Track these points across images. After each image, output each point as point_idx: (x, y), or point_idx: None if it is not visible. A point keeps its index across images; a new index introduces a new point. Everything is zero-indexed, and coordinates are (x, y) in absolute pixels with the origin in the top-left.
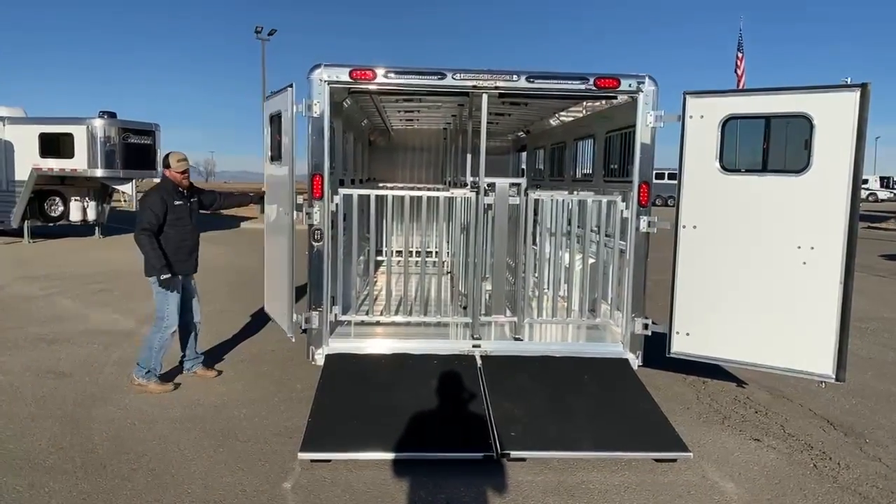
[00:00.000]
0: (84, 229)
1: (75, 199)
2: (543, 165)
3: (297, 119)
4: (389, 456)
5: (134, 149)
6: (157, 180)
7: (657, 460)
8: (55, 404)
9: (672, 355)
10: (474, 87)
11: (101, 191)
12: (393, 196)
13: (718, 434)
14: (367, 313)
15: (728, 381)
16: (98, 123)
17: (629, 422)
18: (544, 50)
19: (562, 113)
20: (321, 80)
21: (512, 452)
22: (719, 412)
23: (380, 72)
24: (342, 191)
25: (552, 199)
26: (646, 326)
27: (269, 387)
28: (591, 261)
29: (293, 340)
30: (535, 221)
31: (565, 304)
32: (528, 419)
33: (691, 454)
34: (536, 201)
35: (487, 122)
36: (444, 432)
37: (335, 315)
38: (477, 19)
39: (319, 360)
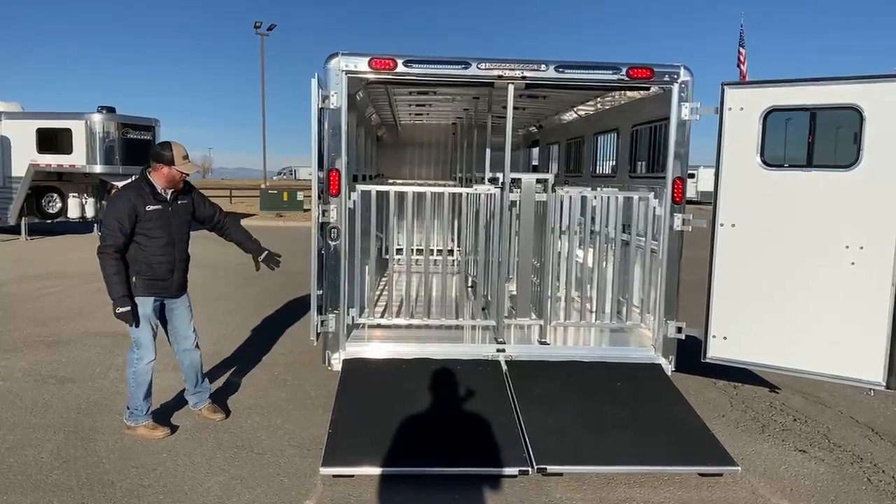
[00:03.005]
0: (82, 226)
1: (73, 196)
2: (558, 161)
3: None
4: (418, 471)
5: (133, 144)
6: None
7: (702, 475)
8: (57, 413)
9: (708, 360)
10: (499, 77)
11: (99, 187)
12: (413, 193)
13: (760, 444)
14: (382, 315)
15: (760, 386)
16: (97, 118)
17: (669, 432)
18: (532, 47)
19: (581, 106)
20: (339, 70)
21: (549, 467)
22: (757, 420)
23: (400, 61)
24: (360, 187)
25: (581, 197)
26: (679, 330)
27: (282, 392)
28: (618, 261)
29: (315, 344)
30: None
31: (590, 306)
32: (562, 430)
33: (739, 468)
34: (563, 198)
35: (499, 117)
36: (475, 445)
37: (352, 318)
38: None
39: (336, 364)
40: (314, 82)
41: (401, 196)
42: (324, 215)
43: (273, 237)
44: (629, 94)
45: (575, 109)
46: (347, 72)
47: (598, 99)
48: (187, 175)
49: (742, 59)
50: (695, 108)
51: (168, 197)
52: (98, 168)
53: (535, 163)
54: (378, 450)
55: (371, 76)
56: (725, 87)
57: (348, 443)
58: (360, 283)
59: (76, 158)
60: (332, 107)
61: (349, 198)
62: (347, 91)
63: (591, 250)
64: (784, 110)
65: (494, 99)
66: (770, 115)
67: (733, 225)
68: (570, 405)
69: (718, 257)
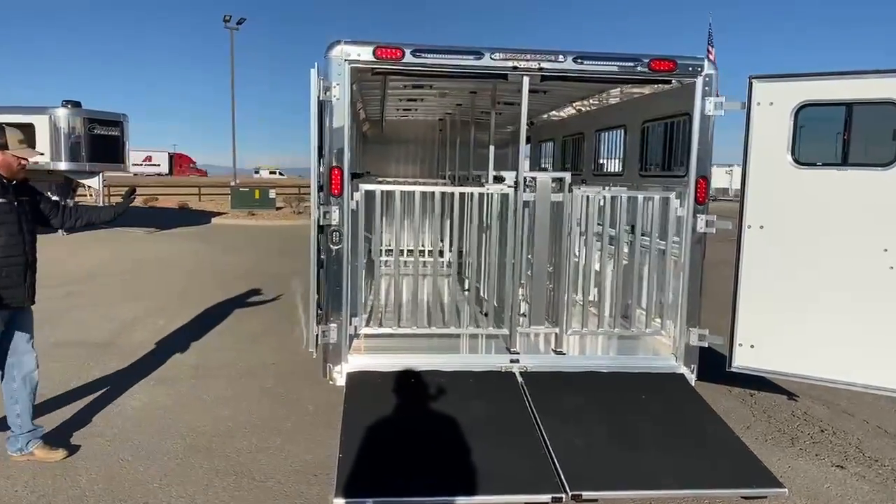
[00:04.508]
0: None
1: None
2: (553, 159)
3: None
4: (443, 501)
5: (101, 141)
6: (129, 174)
7: (745, 497)
8: None
9: (733, 370)
10: (514, 68)
11: (64, 185)
12: (420, 192)
13: (794, 459)
14: (379, 324)
15: (777, 394)
16: (61, 113)
17: (706, 451)
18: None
19: (581, 102)
20: (342, 60)
21: (584, 493)
22: (783, 431)
23: (408, 51)
24: (363, 186)
25: (600, 197)
26: (701, 337)
27: (278, 409)
28: (625, 264)
29: (314, 356)
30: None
31: (599, 311)
32: (592, 450)
33: (786, 490)
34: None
35: (486, 112)
36: (502, 469)
37: (355, 328)
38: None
39: (339, 378)
40: (313, 72)
41: (407, 196)
42: (325, 217)
43: (247, 235)
44: (639, 89)
45: (574, 105)
46: (350, 61)
47: (604, 94)
48: (25, 162)
49: (712, 58)
50: (719, 102)
51: (11, 188)
52: (63, 165)
53: (525, 160)
54: (396, 476)
55: (376, 66)
56: (754, 81)
57: (362, 469)
58: (361, 290)
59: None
60: (334, 99)
61: (352, 198)
62: (350, 82)
63: (599, 253)
64: (817, 105)
65: (498, 93)
66: (802, 110)
67: (762, 226)
68: (596, 421)
69: (745, 260)
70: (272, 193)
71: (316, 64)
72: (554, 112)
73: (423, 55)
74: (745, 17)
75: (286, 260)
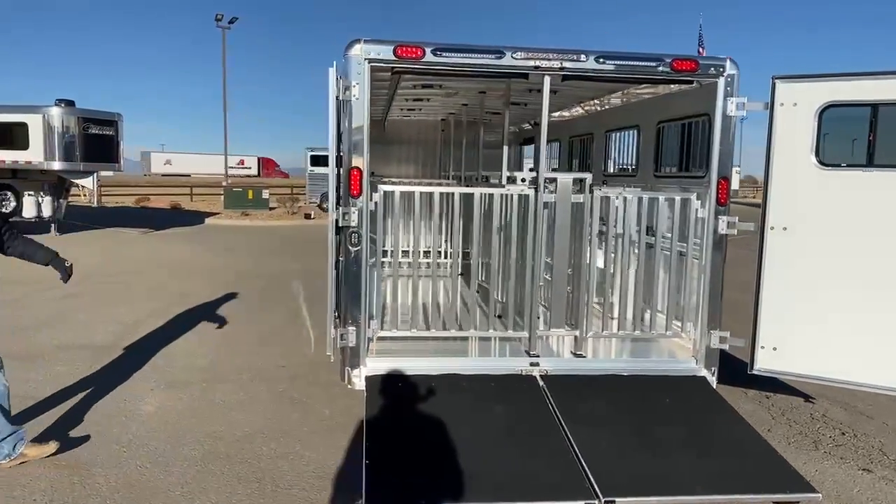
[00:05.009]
0: (38, 226)
1: (29, 194)
2: (559, 160)
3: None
4: None
5: (95, 140)
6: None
7: (778, 503)
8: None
9: (756, 372)
10: (535, 67)
11: (57, 185)
12: (440, 193)
13: (820, 463)
14: (397, 327)
15: (793, 396)
16: (55, 112)
17: (736, 455)
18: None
19: (589, 102)
20: (362, 59)
21: (617, 500)
22: (805, 434)
23: (428, 49)
24: (382, 187)
25: (623, 198)
26: (722, 340)
27: (293, 413)
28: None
29: (332, 360)
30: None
31: (619, 314)
32: (621, 454)
33: (820, 495)
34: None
35: (492, 113)
36: (532, 475)
37: (373, 331)
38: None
39: (358, 382)
40: (332, 72)
41: (426, 197)
42: (344, 218)
43: (243, 236)
44: (653, 89)
45: (582, 105)
46: (370, 60)
47: (617, 94)
48: None
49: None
50: (741, 103)
51: None
52: (57, 165)
53: (528, 161)
54: (427, 485)
55: (396, 65)
56: (777, 81)
57: (391, 476)
58: (378, 292)
59: (33, 154)
60: (353, 99)
61: (370, 199)
62: (370, 81)
63: (619, 255)
64: (842, 106)
65: (504, 93)
66: (826, 110)
67: (785, 228)
68: (622, 425)
69: (768, 263)
70: (265, 193)
71: (335, 63)
72: (558, 112)
73: (443, 54)
74: (743, 17)
75: (284, 261)
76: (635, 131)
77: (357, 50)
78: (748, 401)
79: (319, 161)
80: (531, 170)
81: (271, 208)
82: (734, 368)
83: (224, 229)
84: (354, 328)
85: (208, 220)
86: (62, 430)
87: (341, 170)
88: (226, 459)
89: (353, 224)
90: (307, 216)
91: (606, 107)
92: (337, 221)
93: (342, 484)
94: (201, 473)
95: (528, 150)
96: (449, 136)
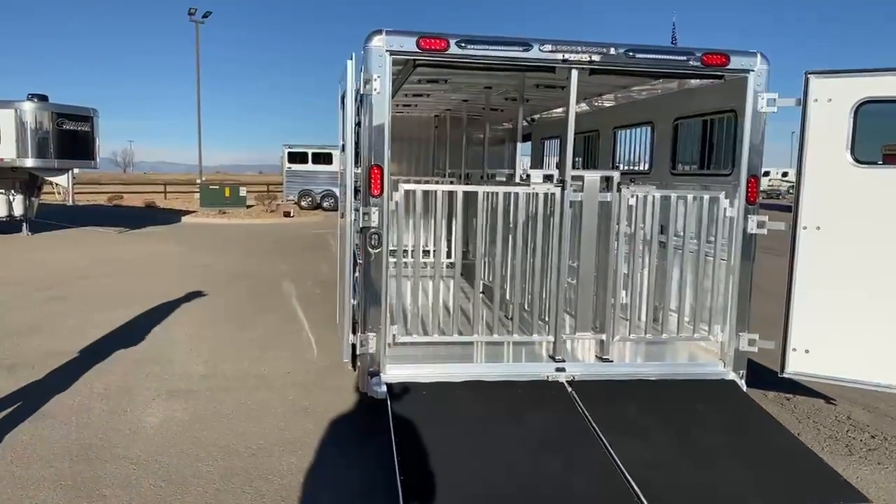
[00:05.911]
0: (9, 226)
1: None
2: (559, 157)
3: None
4: None
5: (70, 136)
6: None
7: None
8: (45, 460)
9: (787, 375)
10: (563, 60)
11: (29, 183)
12: (462, 192)
13: (857, 469)
14: (407, 331)
15: (814, 398)
16: (28, 107)
17: (781, 464)
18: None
19: (598, 98)
20: (383, 51)
21: None
22: (836, 438)
23: (453, 41)
24: (403, 186)
25: (650, 197)
26: (752, 342)
27: (306, 423)
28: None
29: (350, 367)
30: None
31: (645, 317)
32: (663, 465)
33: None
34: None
35: (493, 109)
36: (576, 489)
37: (393, 336)
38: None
39: (378, 390)
40: (350, 64)
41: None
42: (364, 219)
43: (222, 235)
44: (668, 84)
45: (589, 101)
46: (392, 52)
47: (629, 89)
48: None
49: None
50: (772, 99)
51: None
52: (30, 162)
53: (525, 158)
54: (465, 498)
55: (418, 57)
56: (810, 77)
57: (428, 491)
58: (398, 296)
59: (5, 151)
60: (374, 93)
61: (391, 198)
62: (391, 75)
63: (646, 258)
64: (880, 102)
65: (506, 89)
66: (862, 107)
67: (818, 227)
68: (658, 433)
69: (801, 262)
70: (243, 191)
71: (353, 55)
72: (560, 109)
73: (469, 46)
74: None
75: (272, 260)
76: (648, 128)
77: (378, 41)
78: (770, 403)
79: (297, 158)
80: (556, 167)
81: (248, 206)
82: (751, 369)
83: (203, 228)
84: (374, 334)
85: (185, 219)
86: (62, 442)
87: (355, 169)
88: (244, 475)
89: (373, 224)
90: (286, 214)
91: (614, 102)
92: (357, 222)
93: (373, 500)
94: (221, 493)
95: (525, 147)
96: (442, 132)
